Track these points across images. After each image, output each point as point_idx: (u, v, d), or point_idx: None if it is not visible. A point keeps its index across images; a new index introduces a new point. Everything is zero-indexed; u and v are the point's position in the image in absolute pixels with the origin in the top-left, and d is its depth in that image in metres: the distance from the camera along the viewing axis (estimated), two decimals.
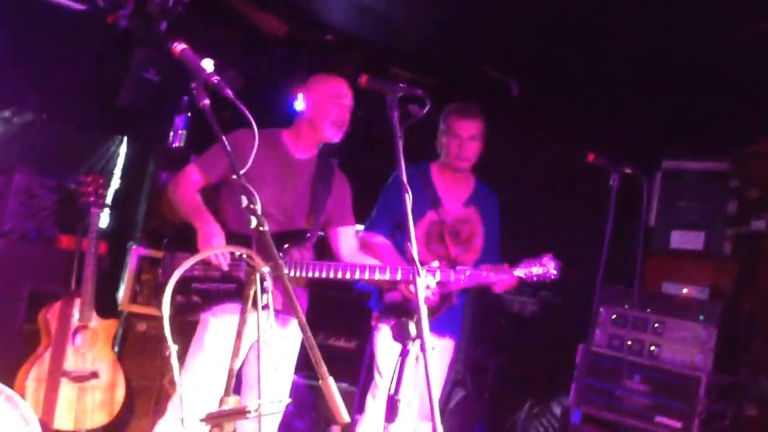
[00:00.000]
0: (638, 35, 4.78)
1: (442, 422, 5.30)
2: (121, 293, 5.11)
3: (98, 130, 5.67)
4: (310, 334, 2.20)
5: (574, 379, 4.82)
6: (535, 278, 4.13)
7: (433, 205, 4.39)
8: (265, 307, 2.32)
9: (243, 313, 2.39)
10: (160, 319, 2.26)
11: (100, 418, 4.62)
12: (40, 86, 5.33)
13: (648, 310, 4.75)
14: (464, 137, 4.34)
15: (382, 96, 2.94)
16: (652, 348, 4.69)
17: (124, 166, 5.75)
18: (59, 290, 4.73)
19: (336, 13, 5.82)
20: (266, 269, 2.27)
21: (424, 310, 2.68)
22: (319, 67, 5.87)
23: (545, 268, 4.10)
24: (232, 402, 2.34)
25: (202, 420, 2.27)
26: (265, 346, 2.44)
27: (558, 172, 5.67)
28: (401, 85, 2.90)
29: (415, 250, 2.76)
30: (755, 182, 4.92)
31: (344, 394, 5.41)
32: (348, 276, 3.68)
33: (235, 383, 2.49)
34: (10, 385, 4.22)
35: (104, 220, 5.19)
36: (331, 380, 2.15)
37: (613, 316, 4.87)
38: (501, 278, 4.07)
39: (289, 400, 2.45)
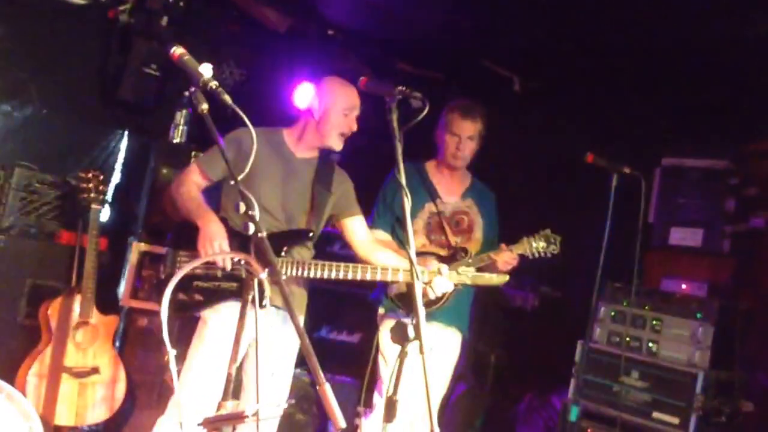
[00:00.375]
0: (639, 34, 4.78)
1: (443, 415, 5.34)
2: (122, 288, 5.11)
3: (99, 124, 5.66)
4: (307, 341, 2.21)
5: (573, 375, 4.84)
6: (535, 254, 4.17)
7: (431, 198, 4.42)
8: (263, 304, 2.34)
9: (241, 317, 2.41)
10: (161, 314, 2.27)
11: (101, 414, 4.64)
12: (41, 81, 5.33)
13: (646, 307, 4.78)
14: (463, 137, 4.35)
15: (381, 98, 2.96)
16: (651, 345, 4.71)
17: (125, 160, 5.75)
18: (60, 286, 4.75)
19: (338, 7, 5.82)
20: (264, 275, 2.29)
21: (422, 313, 2.69)
22: (321, 62, 5.93)
23: (544, 243, 4.15)
24: (230, 406, 2.36)
25: (200, 424, 2.29)
26: (263, 348, 2.46)
27: (558, 168, 5.68)
28: (400, 88, 2.91)
29: (413, 252, 2.77)
30: (754, 180, 4.92)
31: (346, 388, 5.49)
32: (350, 276, 3.68)
33: (235, 381, 2.51)
34: (11, 380, 4.25)
35: (105, 214, 5.19)
36: (327, 386, 2.16)
37: (612, 313, 4.89)
38: (502, 258, 4.11)
39: (286, 405, 2.46)
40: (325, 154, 3.96)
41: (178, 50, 2.57)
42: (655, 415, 4.55)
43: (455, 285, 3.87)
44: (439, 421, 2.56)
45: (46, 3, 5.29)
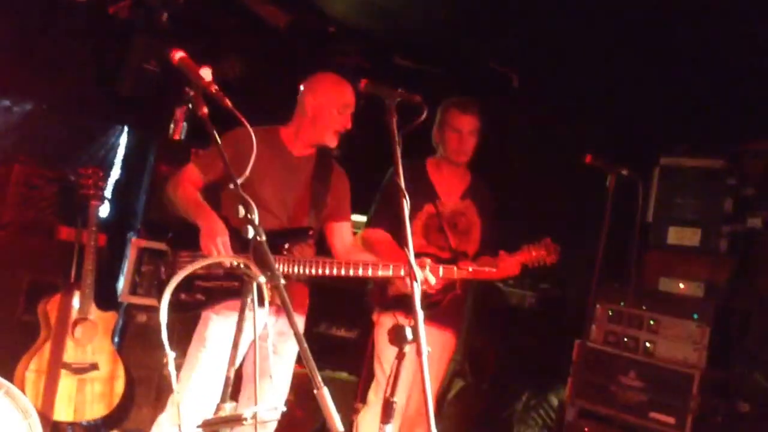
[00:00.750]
0: (637, 34, 4.78)
1: (440, 412, 5.35)
2: (121, 284, 5.12)
3: (98, 120, 5.67)
4: (306, 346, 2.22)
5: (571, 374, 4.86)
6: (535, 263, 4.18)
7: (430, 199, 4.42)
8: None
9: (240, 321, 2.42)
10: (160, 310, 2.28)
11: (100, 410, 4.66)
12: (41, 76, 5.32)
13: (643, 307, 4.79)
14: (464, 132, 4.36)
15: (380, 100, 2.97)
16: (648, 344, 4.73)
17: (124, 156, 5.76)
18: (59, 282, 4.75)
19: (338, 3, 5.82)
20: (263, 279, 2.30)
21: (420, 315, 2.70)
22: (321, 58, 5.93)
23: (544, 251, 4.16)
24: (228, 408, 2.37)
25: (199, 426, 2.31)
26: (263, 350, 2.47)
27: (557, 166, 5.68)
28: (399, 90, 2.92)
29: (411, 254, 2.78)
30: (752, 180, 4.92)
31: (345, 384, 5.50)
32: (351, 273, 3.69)
33: (234, 380, 2.53)
34: (10, 376, 4.26)
35: (104, 210, 5.20)
36: (325, 390, 2.17)
37: (609, 313, 4.90)
38: (502, 266, 4.13)
39: (285, 409, 2.47)
40: (323, 150, 3.96)
41: (178, 54, 2.58)
42: (652, 414, 4.56)
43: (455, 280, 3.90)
44: (437, 418, 2.57)
45: None
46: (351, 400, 5.27)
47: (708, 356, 4.55)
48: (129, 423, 4.99)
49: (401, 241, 4.22)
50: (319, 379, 2.18)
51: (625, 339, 4.80)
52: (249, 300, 2.43)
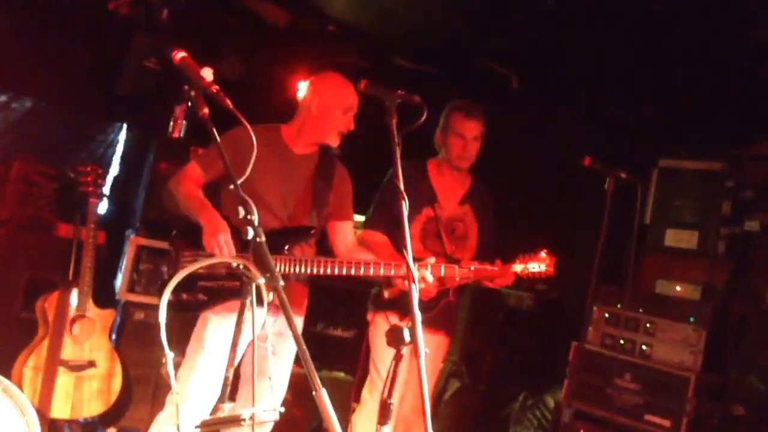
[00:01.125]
0: (637, 35, 4.79)
1: (437, 413, 5.35)
2: (119, 282, 5.13)
3: (98, 118, 5.68)
4: (305, 347, 2.23)
5: (567, 376, 4.87)
6: (531, 274, 4.17)
7: (430, 202, 4.41)
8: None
9: (239, 323, 2.43)
10: (158, 308, 2.28)
11: (97, 407, 4.65)
12: (40, 73, 5.33)
13: (640, 310, 4.80)
14: (468, 138, 4.33)
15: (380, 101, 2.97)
16: (644, 347, 4.74)
17: (123, 154, 5.76)
18: (57, 279, 4.75)
19: (337, 3, 5.82)
20: (262, 281, 2.30)
21: (418, 316, 2.70)
22: (321, 58, 5.93)
23: (541, 263, 4.15)
24: (227, 409, 2.38)
25: (197, 427, 2.31)
26: (261, 351, 2.47)
27: (555, 168, 5.69)
28: (399, 92, 2.91)
29: (410, 256, 2.78)
30: (750, 183, 4.94)
31: (342, 384, 5.50)
32: (352, 272, 3.68)
33: (233, 380, 2.53)
34: (7, 373, 4.26)
35: (103, 208, 5.19)
36: (323, 392, 2.18)
37: (606, 315, 4.91)
38: (498, 275, 4.12)
39: (283, 410, 2.48)
40: (325, 149, 3.94)
41: (179, 54, 2.59)
42: (647, 417, 4.57)
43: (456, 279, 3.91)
44: (432, 419, 2.57)
45: None
46: (348, 400, 5.28)
47: (704, 359, 4.56)
48: (126, 420, 4.99)
49: (399, 244, 4.25)
50: (318, 380, 2.19)
51: (622, 341, 4.82)
52: (248, 301, 2.43)
